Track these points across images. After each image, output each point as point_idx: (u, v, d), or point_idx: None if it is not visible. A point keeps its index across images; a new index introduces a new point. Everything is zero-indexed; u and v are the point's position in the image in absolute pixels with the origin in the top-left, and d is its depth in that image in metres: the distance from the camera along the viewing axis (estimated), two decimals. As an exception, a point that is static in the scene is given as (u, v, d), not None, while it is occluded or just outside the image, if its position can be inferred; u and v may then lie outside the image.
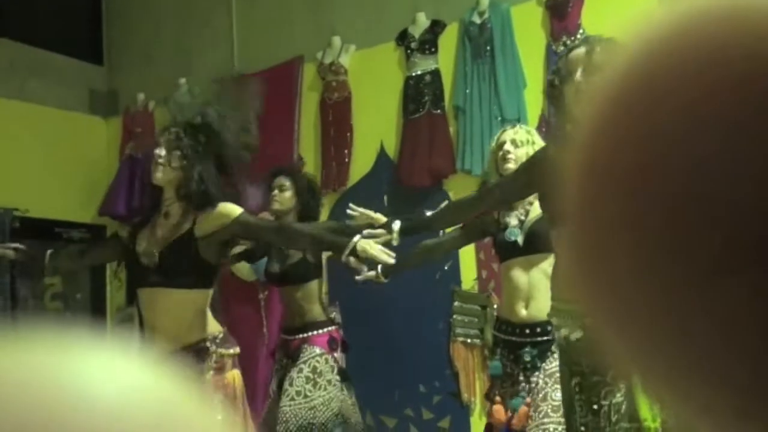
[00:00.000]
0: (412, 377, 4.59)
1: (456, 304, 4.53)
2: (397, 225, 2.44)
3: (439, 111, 4.68)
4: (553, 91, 2.07)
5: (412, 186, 4.66)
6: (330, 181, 5.00)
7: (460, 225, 3.01)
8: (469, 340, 4.47)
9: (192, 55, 5.92)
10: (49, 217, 5.99)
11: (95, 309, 6.24)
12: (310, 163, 5.15)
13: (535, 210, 2.80)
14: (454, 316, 4.51)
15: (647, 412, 1.80)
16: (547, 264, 2.72)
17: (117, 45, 6.53)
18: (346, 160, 5.02)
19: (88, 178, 6.21)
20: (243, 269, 5.19)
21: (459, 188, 4.63)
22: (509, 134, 2.89)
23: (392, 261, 2.35)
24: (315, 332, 3.47)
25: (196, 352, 2.42)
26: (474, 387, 4.46)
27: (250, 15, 5.68)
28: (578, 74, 1.96)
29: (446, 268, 4.62)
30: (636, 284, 0.24)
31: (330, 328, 3.53)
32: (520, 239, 2.83)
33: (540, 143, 2.81)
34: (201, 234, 2.42)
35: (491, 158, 2.96)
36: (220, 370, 2.46)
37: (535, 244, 2.75)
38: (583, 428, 1.93)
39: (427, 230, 2.58)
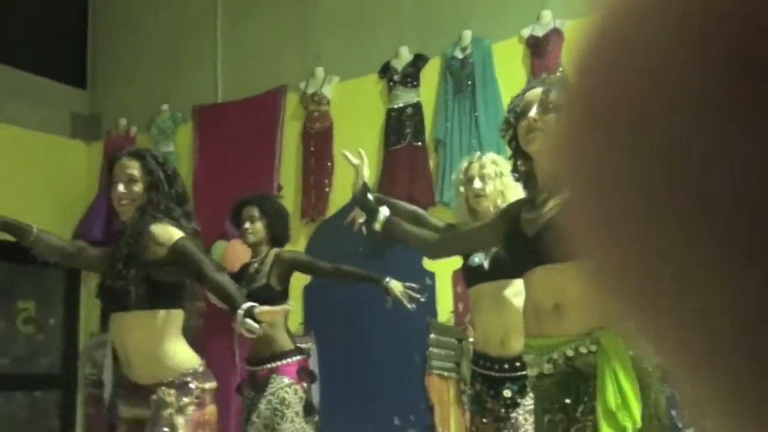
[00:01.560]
0: (386, 410, 4.55)
1: (432, 336, 4.51)
2: (384, 213, 2.38)
3: (419, 143, 4.72)
4: (508, 129, 2.10)
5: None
6: (309, 211, 5.00)
7: (450, 223, 3.04)
8: (444, 373, 4.45)
9: (175, 81, 5.93)
10: (26, 239, 5.92)
11: (68, 334, 6.16)
12: (290, 192, 5.15)
13: None
14: (430, 349, 4.50)
15: None
16: (512, 292, 2.70)
17: (101, 69, 6.53)
18: (327, 189, 5.03)
19: (67, 202, 6.16)
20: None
21: (438, 221, 4.65)
22: (476, 168, 2.86)
23: (288, 306, 2.31)
24: (283, 362, 3.38)
25: (178, 387, 2.39)
26: (449, 421, 4.42)
27: (235, 43, 5.72)
28: (532, 112, 1.99)
29: (422, 299, 4.61)
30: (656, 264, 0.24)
31: (298, 357, 3.44)
32: (485, 263, 2.80)
33: (507, 172, 2.77)
34: (147, 259, 2.42)
35: (459, 192, 2.94)
36: (200, 405, 2.43)
37: (500, 268, 2.71)
38: None
39: (398, 238, 2.54)
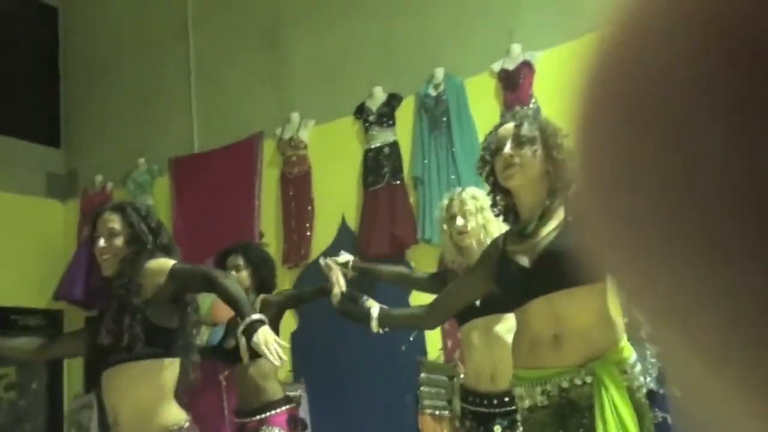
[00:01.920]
0: (381, 453, 4.48)
1: (423, 375, 4.46)
2: (375, 312, 2.36)
3: (398, 182, 4.73)
4: (484, 166, 2.11)
5: (375, 256, 4.65)
6: (292, 256, 4.97)
7: (434, 272, 3.07)
8: (437, 412, 4.39)
9: (150, 134, 5.93)
10: (4, 304, 5.83)
11: (51, 398, 6.03)
12: (272, 238, 5.12)
13: None
14: (422, 388, 4.44)
15: None
16: (504, 328, 2.68)
17: (74, 127, 6.52)
18: (308, 233, 5.01)
19: (45, 262, 6.09)
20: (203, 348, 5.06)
21: (421, 257, 4.63)
22: (457, 205, 2.86)
23: (277, 362, 2.27)
24: (272, 412, 3.34)
25: None
26: (444, 460, 4.36)
27: (209, 92, 5.74)
28: (507, 148, 2.01)
29: (411, 339, 4.57)
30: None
31: (288, 407, 3.40)
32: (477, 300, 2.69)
33: (487, 206, 2.75)
34: (146, 298, 2.39)
35: (443, 231, 2.92)
36: None
37: (491, 303, 2.67)
38: None
39: (395, 327, 2.50)
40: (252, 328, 2.23)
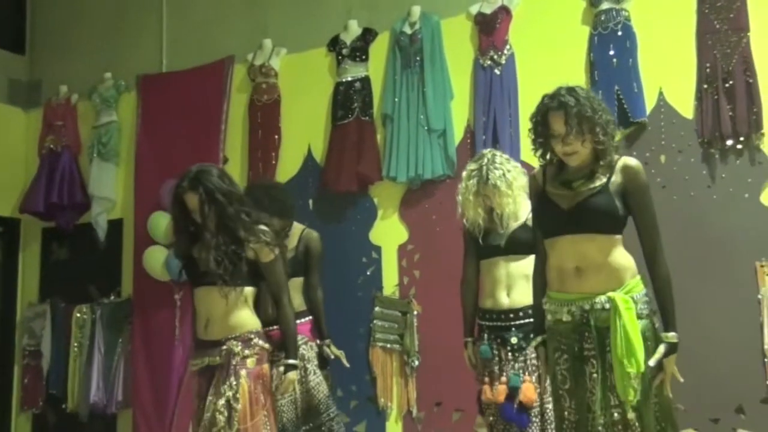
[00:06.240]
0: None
1: (377, 309, 4.56)
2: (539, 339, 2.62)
3: (367, 118, 4.73)
4: (538, 148, 2.45)
5: (338, 191, 4.69)
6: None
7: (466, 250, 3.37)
8: (388, 345, 4.51)
9: (119, 49, 5.81)
10: (-39, 210, 5.77)
11: (4, 304, 6.02)
12: (236, 164, 5.12)
13: (517, 220, 3.22)
14: (375, 321, 4.55)
15: (623, 389, 2.21)
16: (525, 263, 3.07)
17: (40, 34, 6.34)
18: (273, 162, 5.01)
19: (5, 170, 6.00)
20: (155, 268, 5.08)
21: (384, 195, 4.68)
22: (491, 192, 3.16)
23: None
24: (300, 321, 3.53)
25: (243, 341, 2.88)
26: (391, 392, 4.50)
27: (182, 11, 5.62)
28: (560, 146, 2.36)
29: (369, 273, 4.66)
30: None
31: (310, 317, 3.60)
32: (502, 243, 3.20)
33: (517, 185, 3.19)
34: (251, 258, 2.93)
35: (472, 198, 3.20)
36: (260, 361, 2.91)
37: (514, 247, 3.18)
38: (563, 393, 2.39)
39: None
40: (289, 369, 2.99)
